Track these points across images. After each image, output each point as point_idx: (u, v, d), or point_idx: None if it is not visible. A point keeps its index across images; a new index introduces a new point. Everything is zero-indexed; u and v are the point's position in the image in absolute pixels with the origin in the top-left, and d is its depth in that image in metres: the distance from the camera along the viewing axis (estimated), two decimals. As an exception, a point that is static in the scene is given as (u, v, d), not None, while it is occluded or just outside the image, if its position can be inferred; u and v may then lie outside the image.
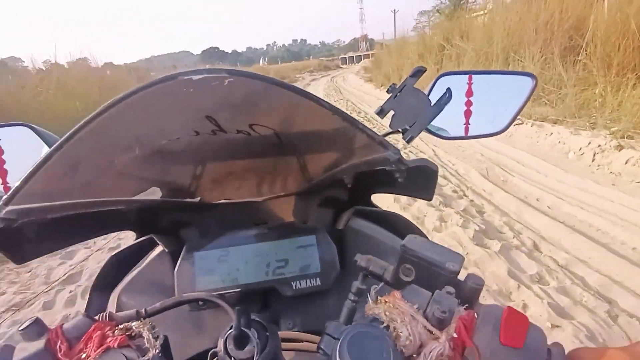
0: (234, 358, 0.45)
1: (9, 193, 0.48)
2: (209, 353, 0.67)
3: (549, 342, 0.43)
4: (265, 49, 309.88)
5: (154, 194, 0.67)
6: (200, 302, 0.69)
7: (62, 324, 0.48)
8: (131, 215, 0.74)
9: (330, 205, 0.82)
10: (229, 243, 0.75)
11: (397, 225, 0.82)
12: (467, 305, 0.46)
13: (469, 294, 0.48)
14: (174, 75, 0.43)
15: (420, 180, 0.59)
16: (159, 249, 0.78)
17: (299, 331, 0.70)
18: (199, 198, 0.75)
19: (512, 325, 0.41)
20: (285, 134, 0.59)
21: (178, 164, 0.67)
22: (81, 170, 0.55)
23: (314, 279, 0.73)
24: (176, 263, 0.74)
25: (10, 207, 0.48)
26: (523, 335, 0.41)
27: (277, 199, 0.80)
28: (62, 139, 0.47)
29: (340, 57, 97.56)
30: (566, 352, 0.43)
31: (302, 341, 0.65)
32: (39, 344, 0.45)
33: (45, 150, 0.79)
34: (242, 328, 0.45)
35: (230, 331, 0.46)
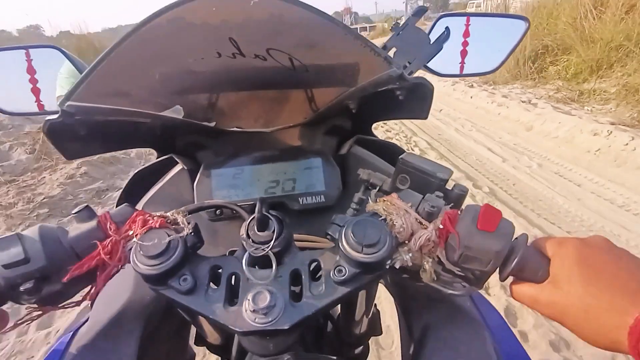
0: (254, 241, 0.53)
1: (69, 90, 0.55)
2: (227, 251, 0.76)
3: (516, 234, 0.52)
4: None
5: (177, 112, 0.73)
6: (218, 212, 0.78)
7: (108, 211, 0.56)
8: (155, 133, 0.81)
9: (335, 134, 0.90)
10: (243, 163, 0.83)
11: (393, 153, 0.90)
12: (452, 205, 0.55)
13: (455, 198, 0.58)
14: None
15: (417, 99, 0.66)
16: (178, 167, 0.85)
17: None
18: (214, 123, 0.81)
19: (487, 216, 0.50)
20: (299, 59, 0.64)
21: (199, 86, 0.72)
22: (123, 79, 0.61)
23: (319, 196, 0.82)
24: (194, 180, 0.82)
25: (70, 102, 0.55)
26: (495, 223, 0.50)
27: (285, 129, 0.87)
28: (105, 51, 0.53)
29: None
30: (530, 240, 0.53)
31: (309, 241, 0.74)
32: (91, 224, 0.54)
33: (70, 70, 0.85)
34: (264, 212, 0.53)
35: (252, 216, 0.54)
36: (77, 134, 0.61)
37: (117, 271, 0.55)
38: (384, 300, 2.21)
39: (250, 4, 0.50)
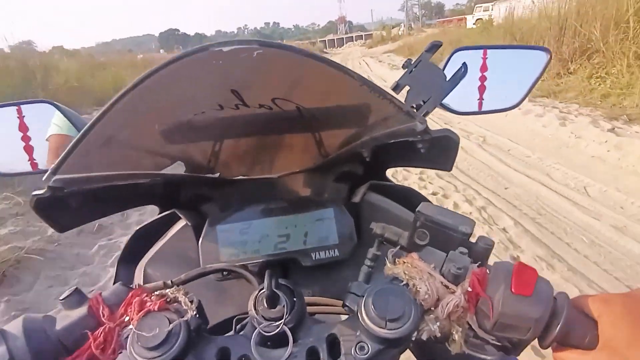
0: (264, 317, 0.49)
1: (55, 163, 0.51)
2: (234, 319, 0.70)
3: (554, 293, 0.46)
4: (236, 32, 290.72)
5: (178, 169, 0.69)
6: (225, 273, 0.72)
7: (100, 292, 0.51)
8: (156, 190, 0.77)
9: (346, 180, 0.84)
10: (250, 217, 0.78)
11: (411, 199, 0.84)
12: (479, 263, 0.50)
13: (480, 253, 0.52)
14: (205, 46, 0.44)
15: (440, 151, 0.61)
16: (181, 222, 0.81)
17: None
18: (218, 174, 0.77)
19: (522, 276, 0.44)
20: (307, 108, 0.60)
21: (201, 139, 0.68)
22: (117, 143, 0.57)
23: (333, 250, 0.76)
24: (199, 236, 0.76)
25: (57, 176, 0.51)
26: (532, 284, 0.44)
27: (293, 175, 0.82)
28: (101, 111, 0.49)
29: (319, 40, 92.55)
30: (570, 298, 0.47)
31: (323, 305, 0.68)
32: (81, 310, 0.49)
33: (69, 126, 0.82)
34: (273, 289, 0.49)
35: (261, 292, 0.50)
36: (69, 206, 0.56)
37: None
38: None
39: (253, 55, 0.46)
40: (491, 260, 0.53)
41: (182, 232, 0.79)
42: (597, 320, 0.44)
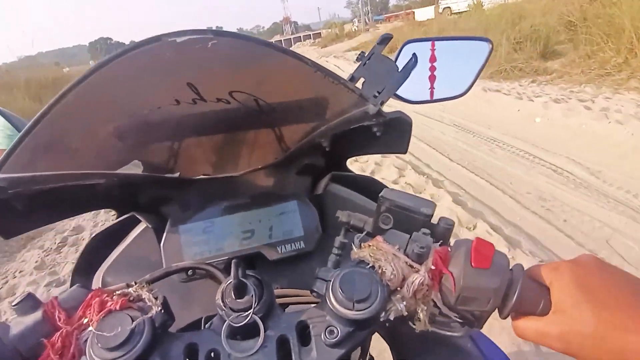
0: (232, 309, 0.48)
1: None
2: (202, 320, 0.69)
3: (511, 264, 0.49)
4: None
5: (135, 168, 0.67)
6: (189, 272, 0.71)
7: (57, 296, 0.49)
8: (113, 192, 0.74)
9: (308, 172, 0.85)
10: (213, 215, 0.77)
11: (372, 188, 0.86)
12: (441, 242, 0.52)
13: (442, 233, 0.54)
14: (157, 37, 0.43)
15: (395, 133, 0.63)
16: (141, 226, 0.78)
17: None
18: (178, 173, 0.75)
19: (480, 251, 0.47)
20: (264, 100, 0.60)
21: (158, 137, 0.67)
22: (66, 141, 0.54)
23: (298, 242, 0.77)
24: (160, 238, 0.75)
25: (0, 175, 0.48)
26: (490, 258, 0.47)
27: (255, 172, 0.82)
28: (47, 105, 0.46)
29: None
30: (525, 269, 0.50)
31: (292, 296, 0.69)
32: (36, 316, 0.46)
33: (13, 132, 0.78)
34: (240, 278, 0.48)
35: (228, 282, 0.49)
36: (14, 209, 0.53)
37: None
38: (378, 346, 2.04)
39: (207, 45, 0.45)
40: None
41: (143, 236, 0.77)
42: (550, 287, 0.47)
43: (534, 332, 0.47)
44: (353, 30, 42.88)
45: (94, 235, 0.79)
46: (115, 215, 0.84)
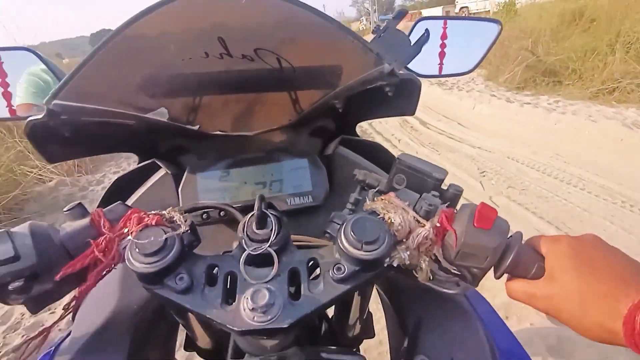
0: (251, 239, 0.53)
1: (56, 88, 0.54)
2: (222, 252, 0.75)
3: (511, 232, 0.53)
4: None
5: (162, 115, 0.72)
6: (204, 215, 0.76)
7: (102, 209, 0.55)
8: (139, 136, 0.79)
9: (319, 134, 0.90)
10: (228, 166, 0.82)
11: (378, 154, 0.91)
12: (448, 204, 0.56)
13: (450, 198, 0.58)
14: None
15: (405, 96, 0.67)
16: (161, 172, 0.84)
17: None
18: (198, 126, 0.80)
19: (483, 213, 0.51)
20: (287, 59, 0.64)
21: (185, 89, 0.71)
22: (110, 79, 0.60)
23: (307, 196, 0.82)
24: (179, 184, 0.80)
25: (56, 101, 0.54)
26: (491, 221, 0.51)
27: (270, 132, 0.86)
28: (93, 50, 0.52)
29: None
30: (525, 239, 0.54)
31: (304, 241, 0.74)
32: (84, 222, 0.53)
33: (38, 73, 0.82)
34: (263, 210, 0.53)
35: (251, 214, 0.54)
36: (60, 135, 0.58)
37: (109, 271, 0.53)
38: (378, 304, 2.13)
39: (241, 2, 0.50)
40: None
41: (163, 180, 0.82)
42: (545, 256, 0.51)
43: (523, 293, 0.52)
44: (360, 29, 41.44)
45: (118, 177, 0.86)
46: (137, 161, 0.90)
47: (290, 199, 0.82)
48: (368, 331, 0.92)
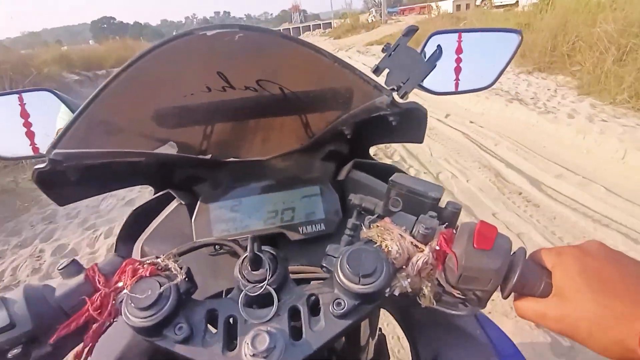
0: (248, 280, 0.53)
1: (55, 138, 0.55)
2: (224, 290, 0.74)
3: (514, 249, 0.50)
4: (183, 22, 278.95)
5: (171, 149, 0.73)
6: (217, 247, 0.76)
7: (96, 263, 0.55)
8: (151, 170, 0.81)
9: (332, 159, 0.89)
10: (241, 194, 0.82)
11: (392, 175, 0.88)
12: (446, 224, 0.54)
13: (449, 217, 0.56)
14: (189, 31, 0.49)
15: (412, 123, 0.66)
16: (175, 202, 0.84)
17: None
18: (210, 155, 0.81)
19: (483, 233, 0.48)
20: (289, 88, 0.64)
21: (192, 121, 0.72)
22: (113, 122, 0.61)
23: (319, 224, 0.81)
24: (192, 214, 0.81)
25: (57, 150, 0.55)
26: (492, 240, 0.48)
27: (282, 156, 0.86)
28: (98, 89, 0.53)
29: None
30: (528, 254, 0.51)
31: (307, 272, 0.73)
32: (79, 279, 0.53)
33: (67, 112, 0.86)
34: (256, 252, 0.52)
35: (245, 255, 0.53)
36: (68, 180, 0.60)
37: (109, 325, 0.53)
38: (390, 323, 2.06)
39: (235, 38, 0.51)
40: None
41: (177, 211, 0.83)
42: (551, 271, 0.48)
43: (533, 313, 0.49)
44: (369, 21, 40.02)
45: (134, 209, 0.86)
46: (153, 192, 0.91)
47: (303, 227, 0.80)
48: (382, 354, 0.89)
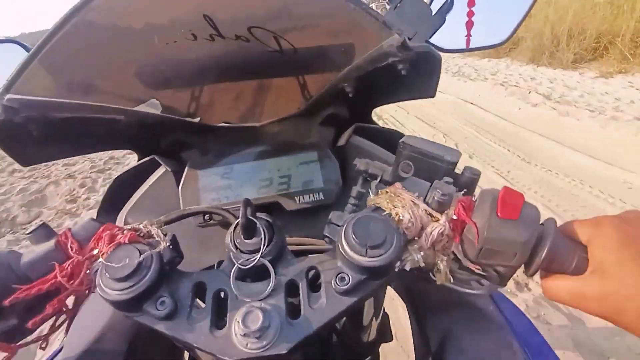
0: (241, 250, 0.46)
1: (7, 80, 0.47)
2: (216, 263, 0.68)
3: (542, 219, 0.45)
4: None
5: (154, 107, 0.66)
6: (206, 217, 0.70)
7: (70, 228, 0.49)
8: (133, 132, 0.73)
9: (331, 123, 0.82)
10: (232, 161, 0.75)
11: (396, 141, 0.82)
12: (465, 191, 0.48)
13: (466, 183, 0.50)
14: None
15: (423, 74, 0.58)
16: (161, 169, 0.78)
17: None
18: (199, 119, 0.74)
19: (508, 201, 0.42)
20: (285, 38, 0.57)
21: (178, 78, 0.65)
22: (79, 65, 0.53)
23: (317, 194, 0.74)
24: (179, 182, 0.74)
25: (10, 95, 0.47)
26: (518, 209, 0.42)
27: (278, 122, 0.79)
28: (55, 25, 0.45)
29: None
30: (558, 225, 0.45)
31: (307, 245, 0.67)
32: (49, 244, 0.47)
33: None
34: (249, 217, 0.46)
35: (237, 222, 0.47)
36: (31, 135, 0.52)
37: (88, 295, 0.47)
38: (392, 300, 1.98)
39: None
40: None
41: (163, 179, 0.76)
42: (587, 245, 0.43)
43: (568, 293, 0.43)
44: None
45: (117, 176, 0.79)
46: (137, 157, 0.84)
47: (299, 196, 0.73)
48: (384, 334, 0.85)
